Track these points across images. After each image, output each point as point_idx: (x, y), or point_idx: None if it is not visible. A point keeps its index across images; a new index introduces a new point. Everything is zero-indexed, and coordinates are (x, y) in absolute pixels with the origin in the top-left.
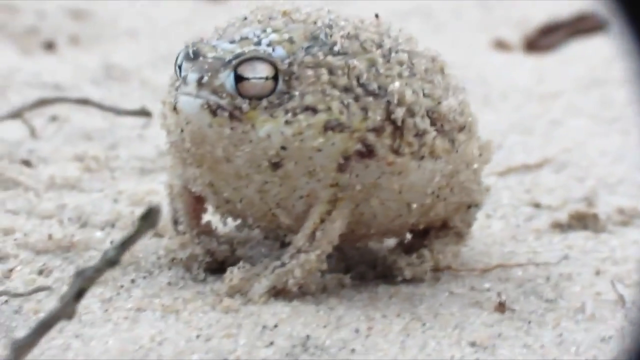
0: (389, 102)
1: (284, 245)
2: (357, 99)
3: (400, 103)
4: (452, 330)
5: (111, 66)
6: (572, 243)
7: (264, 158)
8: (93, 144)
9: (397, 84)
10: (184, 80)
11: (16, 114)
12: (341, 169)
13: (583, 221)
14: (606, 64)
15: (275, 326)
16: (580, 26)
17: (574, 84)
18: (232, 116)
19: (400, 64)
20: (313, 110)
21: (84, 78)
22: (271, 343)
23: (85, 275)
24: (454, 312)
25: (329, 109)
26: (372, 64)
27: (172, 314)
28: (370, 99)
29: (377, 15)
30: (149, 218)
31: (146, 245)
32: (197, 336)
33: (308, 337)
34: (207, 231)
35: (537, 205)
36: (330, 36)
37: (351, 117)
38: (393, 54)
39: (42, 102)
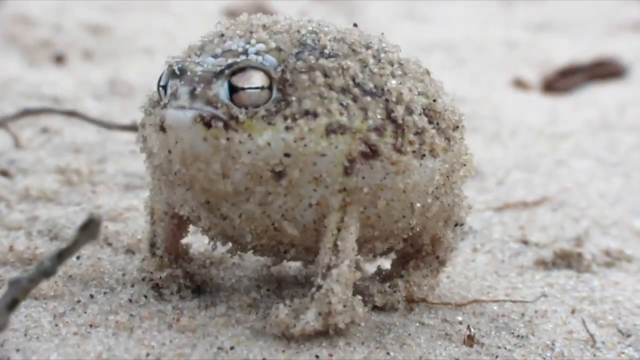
0: (387, 101)
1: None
2: (355, 99)
3: (398, 101)
4: None
5: (117, 82)
6: (553, 281)
7: (265, 168)
8: (79, 157)
9: (393, 82)
10: (174, 95)
11: None
12: (347, 172)
13: (567, 260)
14: (619, 109)
15: (232, 348)
16: (598, 71)
17: (584, 127)
18: (227, 126)
19: (391, 63)
20: (313, 114)
21: (85, 92)
22: None
23: (19, 285)
24: (421, 343)
25: (328, 111)
26: (364, 64)
27: (125, 332)
28: (369, 98)
29: (355, 25)
30: (89, 229)
31: (112, 261)
32: (147, 354)
33: None
34: (183, 254)
35: (525, 242)
36: (318, 40)
37: (352, 118)
38: (382, 54)
39: (26, 113)
